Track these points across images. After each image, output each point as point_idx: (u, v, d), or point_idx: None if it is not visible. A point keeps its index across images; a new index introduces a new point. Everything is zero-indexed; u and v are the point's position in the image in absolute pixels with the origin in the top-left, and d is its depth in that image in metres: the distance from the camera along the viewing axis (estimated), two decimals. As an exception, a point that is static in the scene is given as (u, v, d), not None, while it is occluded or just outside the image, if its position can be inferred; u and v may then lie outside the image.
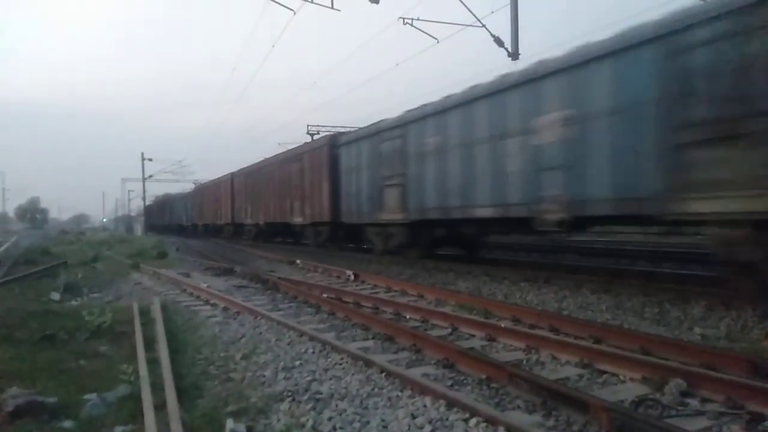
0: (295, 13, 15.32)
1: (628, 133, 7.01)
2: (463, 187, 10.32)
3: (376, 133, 13.59)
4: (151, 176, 54.47)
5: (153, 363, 4.73)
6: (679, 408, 3.58)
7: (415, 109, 12.18)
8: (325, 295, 8.30)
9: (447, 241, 13.21)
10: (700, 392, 3.73)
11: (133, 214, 72.40)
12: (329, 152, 16.17)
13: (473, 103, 10.01)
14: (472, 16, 15.37)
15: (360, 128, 15.37)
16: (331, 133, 18.49)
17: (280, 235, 22.49)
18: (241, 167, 26.00)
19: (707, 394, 3.70)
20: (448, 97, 10.95)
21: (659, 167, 6.59)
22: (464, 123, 10.29)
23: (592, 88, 7.53)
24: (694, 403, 3.64)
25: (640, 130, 6.84)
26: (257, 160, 23.40)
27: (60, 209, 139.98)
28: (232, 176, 27.21)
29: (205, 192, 34.64)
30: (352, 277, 10.58)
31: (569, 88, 7.92)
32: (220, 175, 30.63)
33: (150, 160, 52.75)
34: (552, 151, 8.20)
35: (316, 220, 17.09)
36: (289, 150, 20.25)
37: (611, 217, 7.87)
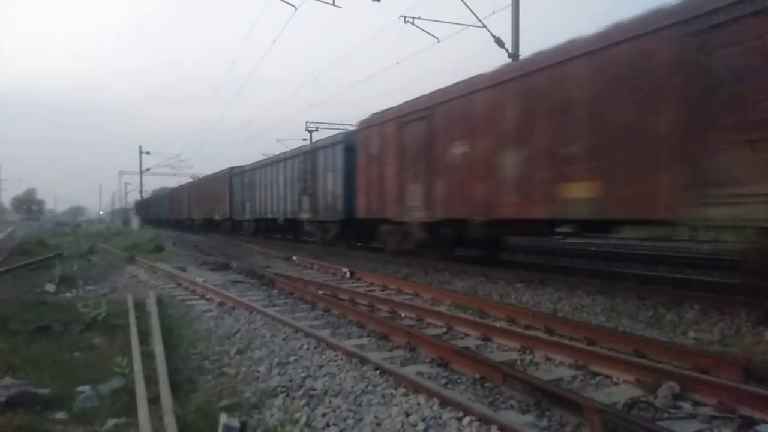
0: (296, 9, 15.31)
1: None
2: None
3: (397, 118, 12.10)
4: (148, 169, 54.43)
5: (147, 356, 4.73)
6: (672, 411, 3.59)
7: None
8: (320, 292, 8.30)
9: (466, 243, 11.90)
10: (693, 396, 3.75)
11: (130, 207, 72.61)
12: (343, 149, 15.36)
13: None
14: (474, 16, 15.39)
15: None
16: (340, 130, 18.65)
17: (280, 231, 22.56)
18: (242, 164, 26.18)
19: (700, 397, 3.71)
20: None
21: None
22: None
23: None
24: (686, 406, 3.66)
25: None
26: (255, 156, 23.95)
27: (56, 201, 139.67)
28: (231, 172, 27.20)
29: (202, 186, 34.72)
30: (348, 275, 10.59)
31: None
32: (217, 170, 30.56)
33: (148, 153, 52.73)
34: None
35: (328, 218, 16.36)
36: (296, 148, 20.25)
37: None
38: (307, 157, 18.02)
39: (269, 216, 21.70)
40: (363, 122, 13.92)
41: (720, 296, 6.71)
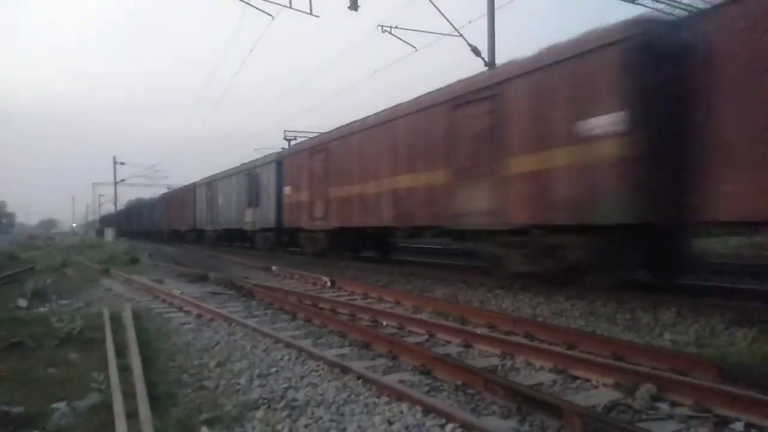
0: (273, 18, 15.28)
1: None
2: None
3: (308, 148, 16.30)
4: (123, 180, 53.53)
5: (125, 371, 4.64)
6: (650, 412, 3.65)
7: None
8: (301, 302, 8.25)
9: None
10: (670, 396, 3.82)
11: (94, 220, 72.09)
12: (276, 167, 18.59)
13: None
14: (450, 26, 15.57)
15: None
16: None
17: (237, 240, 24.55)
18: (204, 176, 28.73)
19: (677, 398, 3.78)
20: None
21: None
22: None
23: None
24: (664, 407, 3.72)
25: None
26: (228, 167, 24.55)
27: (27, 214, 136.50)
28: (195, 186, 29.89)
29: (171, 198, 37.21)
30: (329, 284, 10.54)
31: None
32: (191, 181, 32.10)
33: (122, 163, 51.87)
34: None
35: (264, 227, 19.57)
36: (243, 163, 22.25)
37: None
38: (252, 173, 20.77)
39: (225, 227, 24.10)
40: (286, 150, 18.35)
41: (695, 298, 6.87)
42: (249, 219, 20.73)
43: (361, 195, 12.83)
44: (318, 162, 15.23)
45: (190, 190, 30.41)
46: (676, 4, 12.21)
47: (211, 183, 26.33)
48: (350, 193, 13.32)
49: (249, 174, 20.84)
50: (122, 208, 61.03)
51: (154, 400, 3.89)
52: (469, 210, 9.17)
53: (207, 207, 26.81)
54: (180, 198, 33.23)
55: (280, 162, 18.26)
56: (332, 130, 15.27)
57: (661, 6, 13.35)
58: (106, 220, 65.31)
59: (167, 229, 36.47)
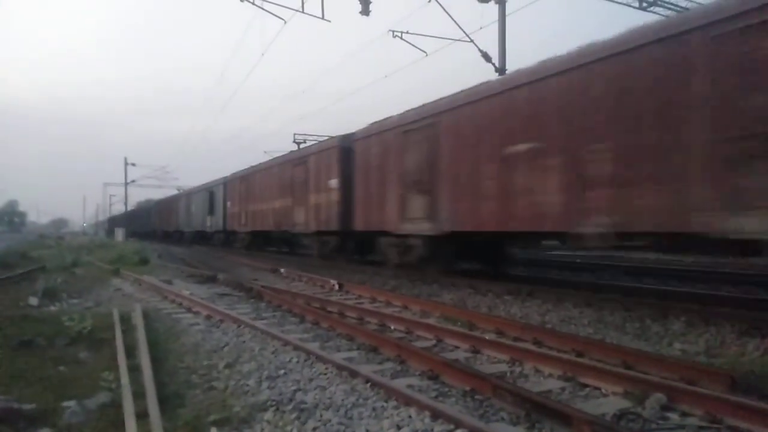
0: (285, 23, 15.39)
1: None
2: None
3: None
4: (133, 181, 53.96)
5: (134, 370, 4.67)
6: (660, 422, 3.63)
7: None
8: (309, 304, 8.26)
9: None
10: (680, 406, 3.79)
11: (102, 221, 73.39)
12: (223, 188, 26.64)
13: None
14: (461, 31, 15.59)
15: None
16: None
17: (201, 239, 31.46)
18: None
19: (687, 408, 3.75)
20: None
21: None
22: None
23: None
24: (674, 417, 3.70)
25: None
26: (242, 167, 24.92)
27: (39, 213, 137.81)
28: (178, 196, 38.33)
29: (163, 205, 44.79)
30: (337, 287, 10.56)
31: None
32: (201, 182, 34.94)
33: (133, 164, 52.30)
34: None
35: (216, 230, 27.84)
36: (276, 158, 21.94)
37: None
38: (211, 190, 28.53)
39: (196, 228, 31.56)
40: (229, 177, 25.40)
41: (705, 308, 6.81)
42: (208, 224, 29.17)
43: (261, 210, 21.12)
44: (243, 187, 23.46)
45: (175, 199, 38.41)
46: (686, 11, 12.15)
47: (188, 194, 34.49)
48: (257, 208, 21.67)
49: (209, 191, 28.86)
50: (132, 208, 61.55)
51: (163, 401, 3.91)
52: (298, 221, 17.43)
53: (185, 213, 34.41)
54: (168, 205, 41.46)
55: (225, 184, 26.25)
56: (250, 167, 23.26)
57: (671, 13, 13.32)
58: (114, 221, 69.41)
59: (160, 230, 43.95)
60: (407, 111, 12.14)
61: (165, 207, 43.00)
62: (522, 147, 8.63)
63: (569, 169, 7.77)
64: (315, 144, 17.98)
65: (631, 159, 6.90)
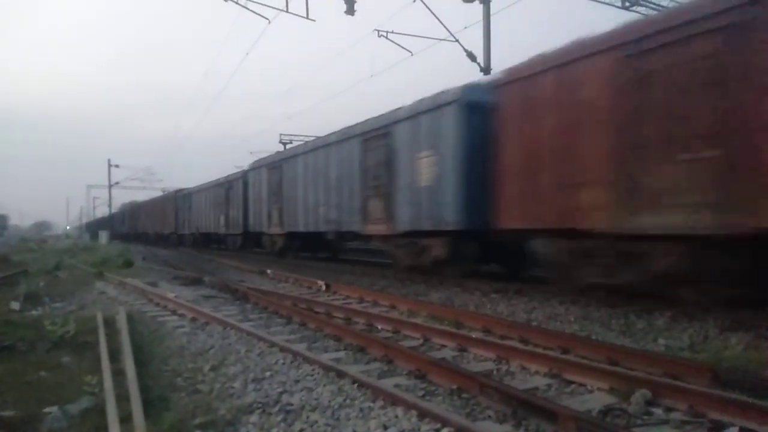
0: (269, 22, 15.30)
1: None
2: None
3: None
4: (117, 183, 53.33)
5: (118, 374, 4.60)
6: (645, 417, 3.66)
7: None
8: (296, 305, 8.22)
9: None
10: (665, 401, 3.82)
11: (79, 224, 73.96)
12: (242, 181, 22.65)
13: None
14: (446, 31, 15.62)
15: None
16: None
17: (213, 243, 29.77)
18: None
19: (671, 403, 3.79)
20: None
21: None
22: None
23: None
24: (658, 412, 3.73)
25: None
26: (229, 168, 25.25)
27: (21, 216, 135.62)
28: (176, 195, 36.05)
29: (154, 205, 44.10)
30: (324, 288, 10.52)
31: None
32: (186, 184, 37.82)
33: (117, 166, 51.71)
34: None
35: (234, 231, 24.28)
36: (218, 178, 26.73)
37: None
38: (231, 184, 25.05)
39: (207, 230, 28.77)
40: (254, 164, 21.55)
41: (689, 304, 6.88)
42: (221, 224, 26.56)
43: (305, 206, 17.76)
44: (275, 177, 19.31)
45: (171, 198, 37.11)
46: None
47: (191, 193, 32.42)
48: (297, 204, 17.84)
49: (225, 185, 26.09)
50: (116, 210, 60.96)
51: (147, 404, 3.86)
52: (374, 217, 13.31)
53: (185, 213, 33.46)
54: (163, 204, 40.27)
55: (247, 176, 22.54)
56: (285, 151, 20.63)
57: (652, 12, 13.46)
58: (93, 225, 71.68)
59: (152, 232, 43.58)
60: (366, 120, 13.32)
61: (158, 207, 41.22)
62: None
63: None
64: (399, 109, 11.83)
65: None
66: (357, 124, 13.70)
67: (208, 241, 28.85)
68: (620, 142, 6.91)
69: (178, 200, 33.96)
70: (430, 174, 10.55)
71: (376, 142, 12.37)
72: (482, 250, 10.43)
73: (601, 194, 7.12)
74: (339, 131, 14.58)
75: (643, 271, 6.83)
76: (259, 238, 20.91)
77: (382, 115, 12.52)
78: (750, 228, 5.59)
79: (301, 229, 16.72)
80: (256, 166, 21.04)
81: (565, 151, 7.68)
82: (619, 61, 6.86)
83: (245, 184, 22.26)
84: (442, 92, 10.48)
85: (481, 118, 9.51)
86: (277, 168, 18.82)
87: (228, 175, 25.08)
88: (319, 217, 15.46)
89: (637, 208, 6.67)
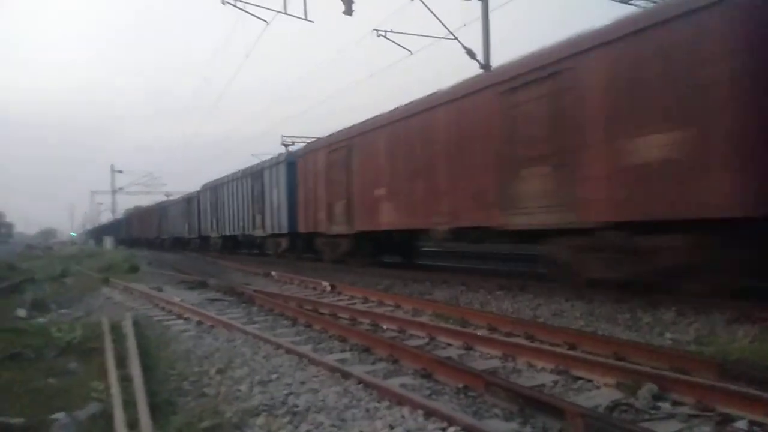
0: (268, 24, 15.32)
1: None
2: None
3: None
4: (121, 188, 53.56)
5: (125, 380, 4.62)
6: (652, 412, 3.64)
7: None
8: (301, 307, 8.23)
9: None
10: (672, 396, 3.81)
11: (83, 231, 74.81)
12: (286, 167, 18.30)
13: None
14: (445, 29, 15.60)
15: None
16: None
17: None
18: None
19: (678, 397, 3.77)
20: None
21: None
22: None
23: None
24: (665, 406, 3.71)
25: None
26: (231, 171, 24.65)
27: (27, 223, 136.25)
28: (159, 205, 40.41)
29: (147, 212, 46.77)
30: (329, 289, 10.53)
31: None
32: (189, 188, 36.71)
33: (120, 172, 51.94)
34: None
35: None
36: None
37: None
38: (268, 171, 21.09)
39: (237, 232, 24.89)
40: (305, 147, 17.42)
41: (695, 297, 6.85)
42: (257, 224, 21.89)
43: (376, 196, 13.87)
44: (336, 161, 14.89)
45: (187, 200, 35.42)
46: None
47: (208, 189, 29.40)
48: (366, 196, 13.64)
49: (257, 175, 21.94)
50: (121, 216, 61.27)
51: (154, 409, 3.87)
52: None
53: (208, 212, 29.42)
54: (177, 207, 38.43)
55: (291, 164, 18.41)
56: (348, 129, 14.41)
57: (650, 5, 13.38)
58: (96, 231, 72.93)
59: (167, 236, 41.87)
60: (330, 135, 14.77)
61: (173, 209, 37.86)
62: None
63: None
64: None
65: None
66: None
67: (236, 246, 25.69)
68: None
69: (202, 197, 29.27)
70: (276, 200, 18.27)
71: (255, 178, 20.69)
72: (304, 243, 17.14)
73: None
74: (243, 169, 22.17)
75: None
76: (311, 241, 16.54)
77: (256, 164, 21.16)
78: (576, 222, 7.39)
79: (384, 226, 12.38)
80: (311, 149, 16.28)
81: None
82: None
83: (290, 172, 17.52)
84: (279, 155, 19.00)
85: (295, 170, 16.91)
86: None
87: (264, 161, 20.73)
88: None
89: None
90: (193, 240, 30.88)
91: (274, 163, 19.22)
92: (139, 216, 50.59)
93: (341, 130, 14.40)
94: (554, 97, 7.75)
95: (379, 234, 12.69)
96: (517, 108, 8.36)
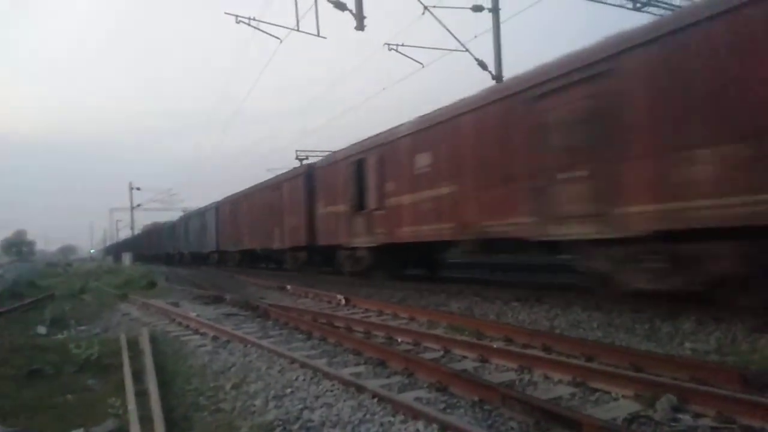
0: (281, 41, 15.53)
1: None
2: None
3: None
4: (139, 205, 54.23)
5: (142, 395, 4.66)
6: (672, 424, 3.57)
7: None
8: (316, 321, 8.23)
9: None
10: (692, 407, 3.73)
11: (100, 248, 76.64)
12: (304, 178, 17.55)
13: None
14: (456, 41, 15.66)
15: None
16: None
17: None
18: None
19: (699, 409, 3.70)
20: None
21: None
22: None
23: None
24: (686, 418, 3.64)
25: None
26: (239, 188, 25.85)
27: (47, 241, 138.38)
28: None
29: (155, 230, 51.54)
30: (343, 302, 10.53)
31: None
32: (206, 203, 35.30)
33: (138, 189, 52.62)
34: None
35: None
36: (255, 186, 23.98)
37: None
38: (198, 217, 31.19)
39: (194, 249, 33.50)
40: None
41: (716, 306, 6.73)
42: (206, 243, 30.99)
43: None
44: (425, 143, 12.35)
45: (159, 228, 43.14)
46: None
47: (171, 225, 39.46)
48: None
49: (202, 214, 31.78)
50: (138, 233, 62.11)
51: (170, 424, 3.90)
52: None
53: (157, 240, 40.17)
54: (156, 232, 47.54)
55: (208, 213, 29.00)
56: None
57: (666, 12, 13.34)
58: (114, 248, 73.98)
59: (193, 250, 42.93)
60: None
61: (192, 224, 35.46)
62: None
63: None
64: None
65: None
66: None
67: (254, 260, 24.80)
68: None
69: (221, 211, 28.44)
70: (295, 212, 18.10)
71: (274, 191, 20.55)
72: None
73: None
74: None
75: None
76: (331, 254, 15.83)
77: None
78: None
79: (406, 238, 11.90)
80: (330, 161, 15.88)
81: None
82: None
83: (309, 184, 16.98)
84: (298, 167, 18.85)
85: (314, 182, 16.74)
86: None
87: (283, 174, 20.10)
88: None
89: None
90: (212, 254, 30.82)
91: (292, 176, 18.73)
92: (157, 232, 51.47)
93: (362, 140, 14.03)
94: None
95: (402, 246, 12.25)
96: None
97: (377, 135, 13.40)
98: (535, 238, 8.32)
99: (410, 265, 14.19)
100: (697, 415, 3.66)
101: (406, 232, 11.76)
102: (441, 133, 10.72)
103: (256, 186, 23.23)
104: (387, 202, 12.48)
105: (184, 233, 37.85)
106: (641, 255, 6.93)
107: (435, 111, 11.26)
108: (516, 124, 8.69)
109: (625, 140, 6.92)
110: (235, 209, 25.85)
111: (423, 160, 11.18)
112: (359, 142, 14.22)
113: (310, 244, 16.73)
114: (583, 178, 7.48)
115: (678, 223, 6.30)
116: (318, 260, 17.47)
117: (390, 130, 12.84)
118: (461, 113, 10.12)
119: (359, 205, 13.76)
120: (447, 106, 10.83)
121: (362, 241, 13.73)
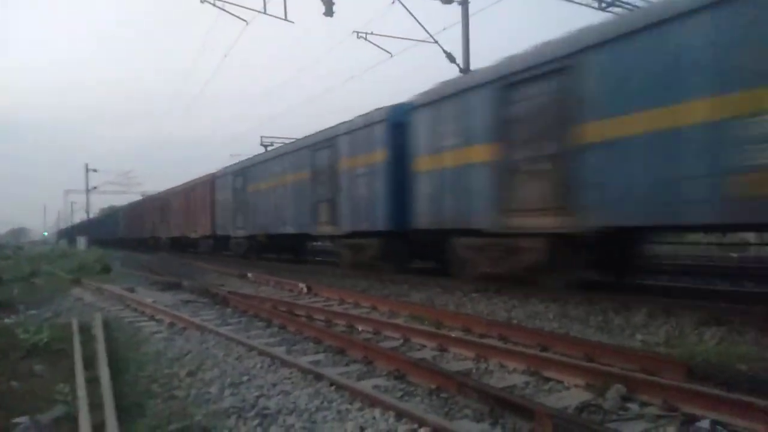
0: (247, 24, 15.21)
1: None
2: None
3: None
4: (95, 188, 52.53)
5: (92, 382, 4.52)
6: (620, 413, 3.69)
7: None
8: (276, 309, 8.16)
9: None
10: (640, 396, 3.86)
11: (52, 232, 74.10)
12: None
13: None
14: (425, 32, 15.68)
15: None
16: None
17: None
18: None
19: (646, 398, 3.83)
20: None
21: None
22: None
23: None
24: (633, 407, 3.76)
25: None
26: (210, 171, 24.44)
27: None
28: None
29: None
30: (305, 290, 10.47)
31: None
32: (164, 187, 35.96)
33: (95, 170, 50.94)
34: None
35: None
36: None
37: None
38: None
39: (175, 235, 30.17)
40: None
41: (666, 299, 6.98)
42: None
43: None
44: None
45: (114, 212, 41.98)
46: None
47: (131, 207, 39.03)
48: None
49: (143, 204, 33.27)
50: (93, 216, 60.21)
51: (122, 411, 3.80)
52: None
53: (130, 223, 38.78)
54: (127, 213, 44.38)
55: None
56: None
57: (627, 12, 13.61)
58: (67, 232, 73.08)
59: (134, 237, 43.41)
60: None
61: (174, 202, 29.59)
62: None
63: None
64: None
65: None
66: None
67: (265, 249, 19.28)
68: None
69: (220, 186, 22.61)
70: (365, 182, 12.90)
71: (319, 150, 15.03)
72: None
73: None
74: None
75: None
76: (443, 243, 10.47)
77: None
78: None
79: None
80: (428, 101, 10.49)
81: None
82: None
83: (395, 137, 11.64)
84: (372, 111, 12.49)
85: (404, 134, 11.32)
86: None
87: (340, 124, 13.64)
88: None
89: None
90: (203, 241, 24.83)
91: (362, 125, 12.55)
92: (126, 213, 44.73)
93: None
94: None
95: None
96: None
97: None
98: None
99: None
100: (644, 404, 3.79)
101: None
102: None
103: (183, 185, 28.28)
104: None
105: (170, 212, 31.89)
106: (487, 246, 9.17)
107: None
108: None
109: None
110: (166, 205, 31.22)
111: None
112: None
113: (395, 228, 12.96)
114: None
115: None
116: (221, 246, 23.31)
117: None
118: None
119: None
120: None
121: (240, 232, 20.19)
